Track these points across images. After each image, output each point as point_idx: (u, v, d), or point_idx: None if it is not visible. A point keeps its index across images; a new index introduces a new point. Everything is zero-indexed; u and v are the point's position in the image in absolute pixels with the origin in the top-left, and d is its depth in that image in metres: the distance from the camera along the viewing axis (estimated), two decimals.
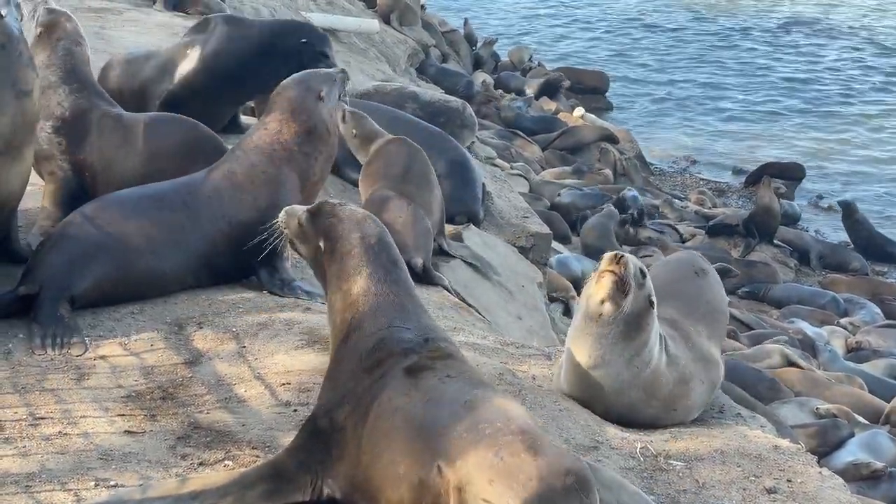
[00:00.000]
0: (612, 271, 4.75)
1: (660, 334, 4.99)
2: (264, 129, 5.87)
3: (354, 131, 7.60)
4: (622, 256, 4.80)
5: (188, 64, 7.69)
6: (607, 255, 4.84)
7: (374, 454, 3.68)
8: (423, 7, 23.34)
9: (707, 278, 5.57)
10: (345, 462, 3.80)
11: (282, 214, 4.41)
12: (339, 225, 4.18)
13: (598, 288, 4.80)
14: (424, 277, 6.87)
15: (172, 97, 7.66)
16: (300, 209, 4.35)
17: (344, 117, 7.47)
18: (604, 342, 4.85)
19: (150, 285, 5.62)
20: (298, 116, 5.81)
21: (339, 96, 5.96)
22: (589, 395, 4.96)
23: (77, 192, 6.25)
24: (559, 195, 16.43)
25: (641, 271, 4.85)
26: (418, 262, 6.83)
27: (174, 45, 8.01)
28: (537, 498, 3.26)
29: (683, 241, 17.02)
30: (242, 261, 5.80)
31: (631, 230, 16.17)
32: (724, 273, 14.61)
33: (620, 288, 4.75)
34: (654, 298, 4.86)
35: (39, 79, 5.53)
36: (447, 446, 3.46)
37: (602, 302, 4.80)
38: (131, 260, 5.52)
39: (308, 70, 5.98)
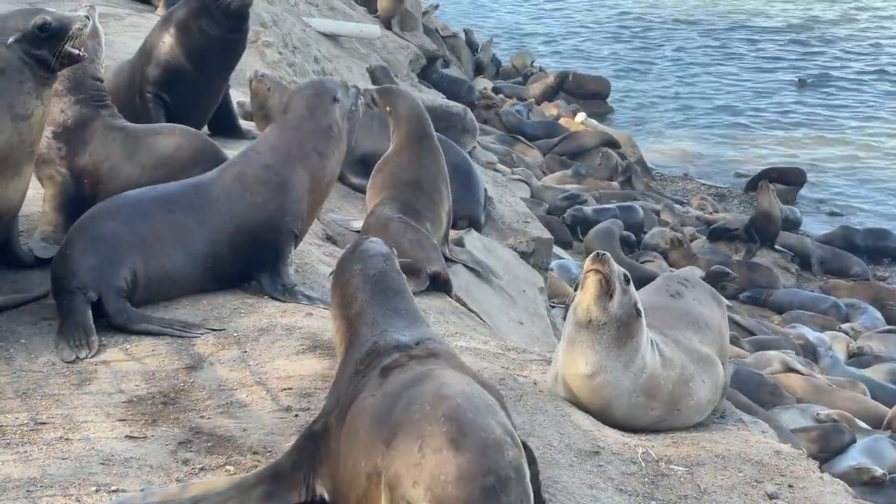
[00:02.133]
0: (596, 269, 4.77)
1: (651, 340, 4.99)
2: (280, 129, 5.92)
3: (388, 109, 7.64)
4: (604, 254, 4.82)
5: (159, 49, 7.76)
6: (590, 256, 4.86)
7: (345, 454, 3.73)
8: (436, 6, 23.35)
9: (684, 298, 5.55)
10: (329, 462, 3.85)
11: None
12: (345, 261, 4.35)
13: (583, 292, 4.82)
14: (444, 286, 6.92)
15: (158, 84, 7.70)
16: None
17: (374, 100, 7.54)
18: (598, 348, 4.86)
19: (160, 288, 5.64)
20: (315, 115, 5.89)
21: (352, 107, 6.00)
22: (589, 402, 4.96)
23: (76, 196, 6.26)
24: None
25: (625, 276, 4.86)
26: (438, 271, 6.86)
27: (147, 38, 8.04)
28: (455, 502, 3.26)
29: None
30: (246, 264, 5.81)
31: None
32: (719, 276, 14.62)
33: (605, 288, 4.76)
34: (640, 307, 4.88)
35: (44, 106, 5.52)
36: (386, 430, 3.50)
37: (588, 307, 4.81)
38: (148, 262, 5.55)
39: (323, 77, 6.08)
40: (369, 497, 3.56)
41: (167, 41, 7.74)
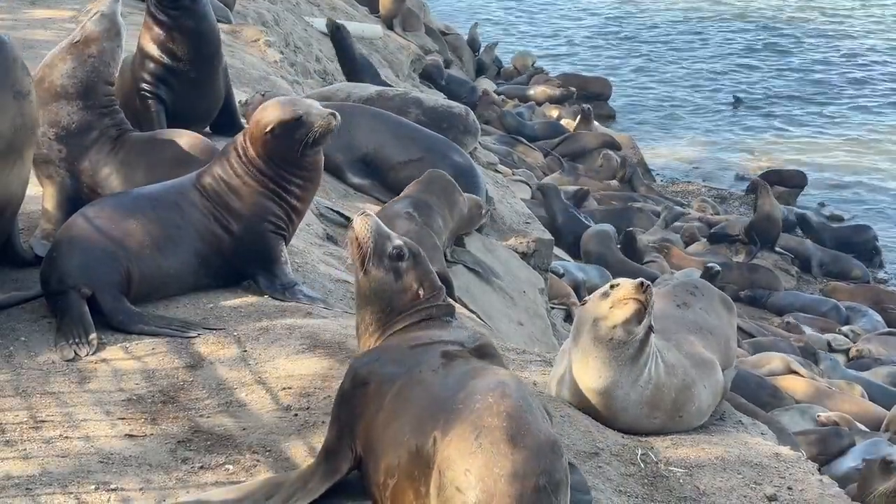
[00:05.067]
0: (638, 300, 4.72)
1: (654, 347, 4.99)
2: (243, 137, 5.86)
3: None
4: (649, 286, 4.76)
5: (142, 48, 7.77)
6: (631, 284, 4.76)
7: (389, 419, 3.75)
8: None
9: (691, 308, 5.52)
10: (363, 419, 3.87)
11: (364, 225, 4.36)
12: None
13: (618, 313, 4.75)
14: (445, 286, 6.94)
15: (149, 81, 7.70)
16: (397, 238, 4.39)
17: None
18: (613, 365, 4.85)
19: (154, 285, 5.64)
20: (272, 131, 5.71)
21: (321, 135, 5.72)
22: (595, 414, 4.97)
23: (76, 196, 6.28)
24: None
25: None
26: (438, 271, 6.88)
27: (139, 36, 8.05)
28: (506, 498, 3.31)
29: (686, 245, 17.04)
30: (239, 263, 5.82)
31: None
32: (709, 277, 14.63)
33: (641, 317, 4.74)
34: (652, 323, 4.88)
35: (35, 83, 5.56)
36: (444, 415, 3.55)
37: (615, 327, 4.77)
38: (139, 258, 5.56)
39: (294, 96, 5.97)
40: (406, 472, 3.59)
41: (143, 39, 7.75)
